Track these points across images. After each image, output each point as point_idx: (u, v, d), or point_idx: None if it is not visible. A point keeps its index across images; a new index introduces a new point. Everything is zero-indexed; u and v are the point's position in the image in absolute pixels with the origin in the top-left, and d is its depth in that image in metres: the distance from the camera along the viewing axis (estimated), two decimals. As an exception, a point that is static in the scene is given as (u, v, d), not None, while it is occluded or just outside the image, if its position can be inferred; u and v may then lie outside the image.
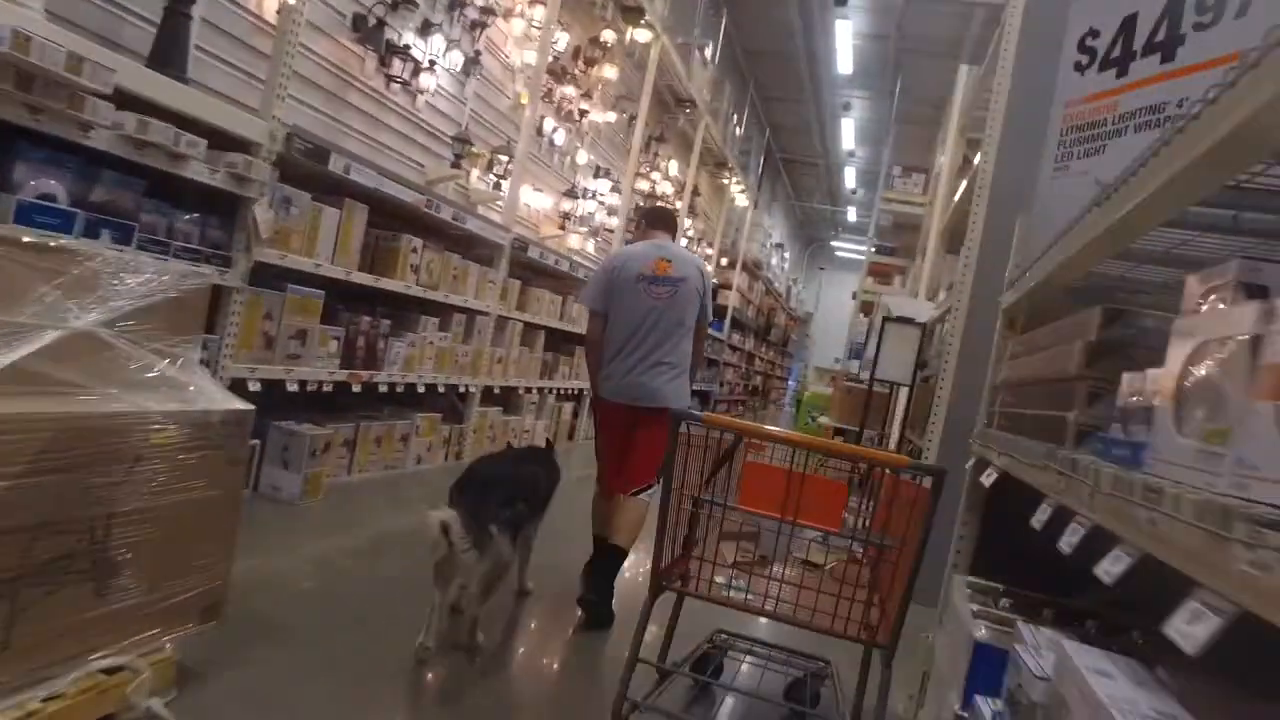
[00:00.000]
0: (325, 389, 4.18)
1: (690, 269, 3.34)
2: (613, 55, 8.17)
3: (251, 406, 2.10)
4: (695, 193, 12.04)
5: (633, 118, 9.45)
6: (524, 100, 6.41)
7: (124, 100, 2.80)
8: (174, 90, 3.09)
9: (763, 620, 2.44)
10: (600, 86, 8.25)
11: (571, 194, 8.06)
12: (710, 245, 14.44)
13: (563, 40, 7.12)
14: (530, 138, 6.27)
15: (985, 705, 1.46)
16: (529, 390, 6.74)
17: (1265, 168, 1.07)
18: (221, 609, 2.09)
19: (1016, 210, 2.60)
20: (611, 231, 9.24)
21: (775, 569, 2.06)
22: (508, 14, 6.45)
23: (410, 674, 2.41)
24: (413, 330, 4.96)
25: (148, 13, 3.50)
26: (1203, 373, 0.91)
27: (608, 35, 7.96)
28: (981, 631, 1.61)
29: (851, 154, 19.36)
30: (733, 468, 2.21)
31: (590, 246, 8.93)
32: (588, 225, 8.82)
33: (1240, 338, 0.82)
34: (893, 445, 7.00)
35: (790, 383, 25.52)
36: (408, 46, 5.27)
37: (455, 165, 5.83)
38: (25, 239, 1.70)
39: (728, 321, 14.61)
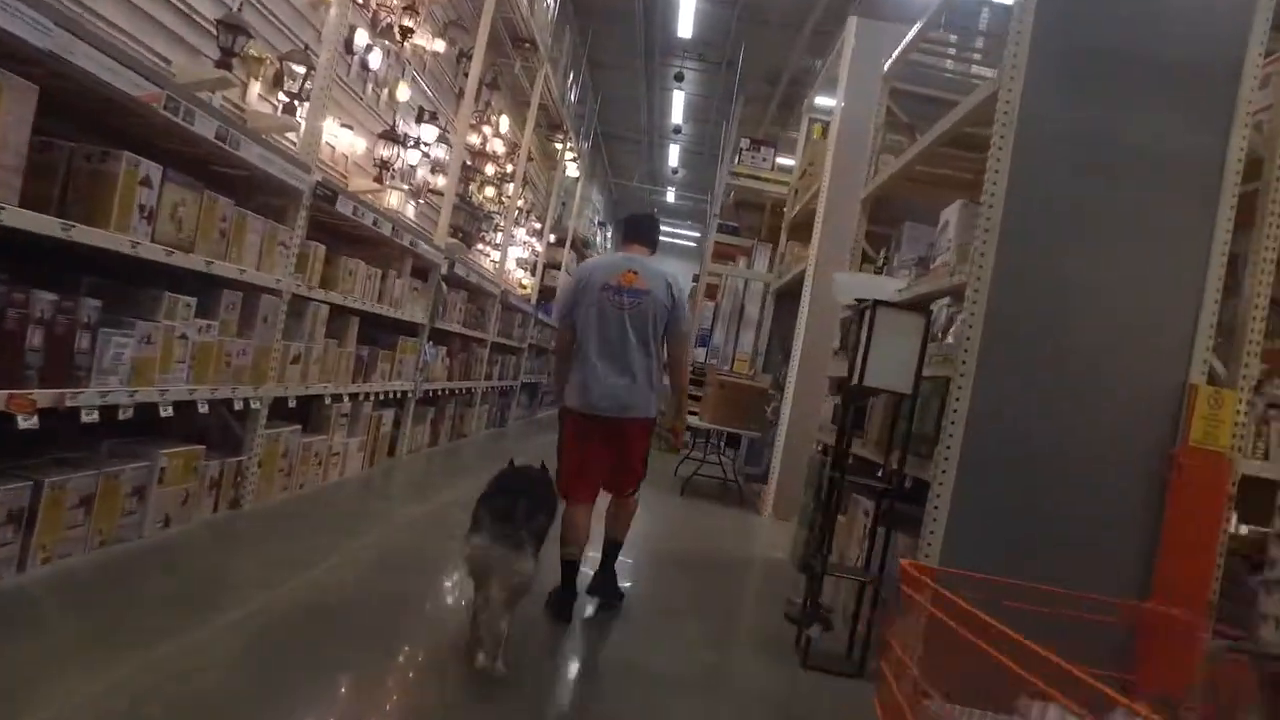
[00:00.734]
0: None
1: (658, 283, 3.38)
2: (444, -38, 6.35)
3: None
4: (529, 157, 10.37)
5: (464, 52, 7.65)
6: (329, -10, 4.51)
7: None
8: None
9: None
10: (428, 1, 6.40)
11: (391, 137, 6.16)
12: (539, 220, 12.84)
13: (382, -77, 5.25)
14: (337, 50, 4.39)
15: None
16: (338, 398, 4.85)
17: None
18: None
19: None
20: (438, 195, 7.39)
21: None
22: None
23: None
24: (148, 316, 3.02)
25: None
26: None
27: (438, -66, 6.14)
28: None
29: (678, 130, 18.47)
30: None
31: (411, 210, 7.06)
32: (409, 183, 6.94)
33: None
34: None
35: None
36: None
37: (223, 65, 3.86)
38: None
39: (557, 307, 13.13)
